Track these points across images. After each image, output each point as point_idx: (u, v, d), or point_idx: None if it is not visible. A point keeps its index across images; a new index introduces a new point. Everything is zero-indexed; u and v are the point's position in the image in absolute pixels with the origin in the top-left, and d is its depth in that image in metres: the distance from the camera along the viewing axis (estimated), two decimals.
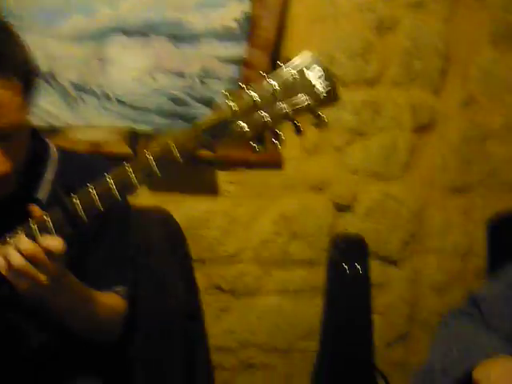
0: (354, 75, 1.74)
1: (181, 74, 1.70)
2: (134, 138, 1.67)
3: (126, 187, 0.82)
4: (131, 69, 1.67)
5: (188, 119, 1.71)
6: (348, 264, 1.81)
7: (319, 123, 0.80)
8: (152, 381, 1.40)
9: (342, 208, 1.84)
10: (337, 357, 1.78)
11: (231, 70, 1.71)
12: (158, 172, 0.80)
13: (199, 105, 1.73)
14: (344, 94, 0.81)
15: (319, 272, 1.84)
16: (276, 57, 1.66)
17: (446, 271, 1.95)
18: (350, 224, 1.85)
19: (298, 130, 0.80)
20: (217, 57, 1.71)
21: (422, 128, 1.84)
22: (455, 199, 1.91)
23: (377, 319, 1.88)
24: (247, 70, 1.70)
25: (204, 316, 1.54)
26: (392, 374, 1.91)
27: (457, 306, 1.12)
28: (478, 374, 0.87)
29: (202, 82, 1.71)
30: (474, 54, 1.83)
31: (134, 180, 0.81)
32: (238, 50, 1.70)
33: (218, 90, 1.70)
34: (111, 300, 1.07)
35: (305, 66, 0.80)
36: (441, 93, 1.83)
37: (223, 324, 1.84)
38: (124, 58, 1.66)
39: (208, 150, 0.81)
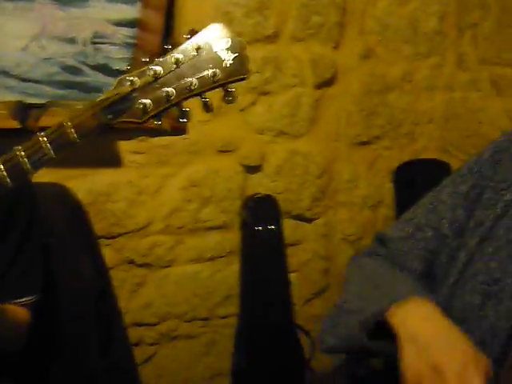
0: (252, 32, 1.69)
1: (71, 40, 1.58)
2: (22, 111, 1.54)
3: (20, 173, 0.76)
4: (15, 37, 1.53)
5: (85, 89, 1.60)
6: (261, 225, 1.80)
7: (230, 99, 0.77)
8: (69, 361, 1.34)
9: (250, 169, 1.81)
10: (257, 318, 1.78)
11: (125, 33, 1.61)
12: (53, 155, 0.75)
13: (94, 72, 1.62)
14: None
15: (233, 236, 1.83)
16: (170, 17, 1.58)
17: (357, 223, 1.99)
18: (261, 185, 1.83)
19: (206, 107, 0.76)
20: (108, 19, 1.60)
21: (325, 83, 1.83)
22: (361, 152, 1.94)
23: (294, 277, 1.90)
24: (143, 33, 1.60)
25: (115, 292, 1.49)
26: (313, 328, 1.95)
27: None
28: (392, 317, 0.82)
29: (95, 48, 1.61)
30: (371, 5, 1.83)
31: (27, 166, 0.75)
32: (131, 11, 1.60)
33: (114, 55, 1.60)
34: (12, 314, 1.00)
35: (212, 38, 0.77)
36: (340, 46, 1.82)
37: (141, 299, 1.78)
38: (6, 26, 1.52)
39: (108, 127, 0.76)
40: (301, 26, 1.75)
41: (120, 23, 1.62)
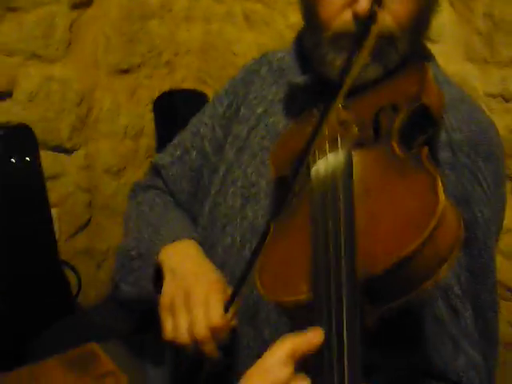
0: None
1: None
2: None
3: None
4: None
5: None
6: (15, 157, 1.64)
7: None
8: None
9: None
10: (16, 258, 1.65)
11: None
12: None
13: None
14: None
15: None
16: None
17: (119, 154, 1.96)
18: (12, 113, 1.65)
19: None
20: None
21: (82, 3, 1.70)
22: (122, 80, 1.89)
23: (55, 212, 1.80)
24: None
25: None
26: (79, 262, 1.90)
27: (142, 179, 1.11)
28: (162, 255, 0.88)
29: None
30: None
31: None
32: None
33: None
34: None
35: None
36: None
37: None
38: None
39: None
40: None
41: None
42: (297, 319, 0.55)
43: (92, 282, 1.99)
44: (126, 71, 1.89)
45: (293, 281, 0.54)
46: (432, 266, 0.48)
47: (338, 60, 0.75)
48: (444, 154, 0.74)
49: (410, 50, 0.77)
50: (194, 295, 0.76)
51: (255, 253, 0.67)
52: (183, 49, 2.01)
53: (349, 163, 0.60)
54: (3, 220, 1.64)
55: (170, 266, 0.85)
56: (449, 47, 1.34)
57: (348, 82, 0.64)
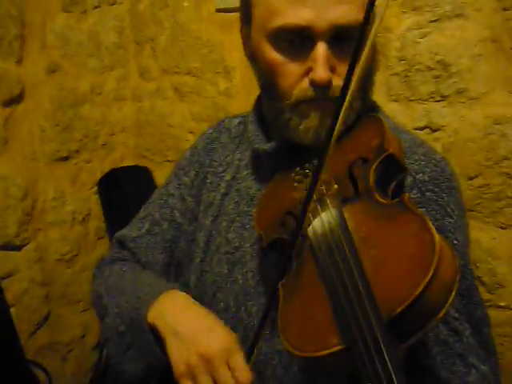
0: None
1: None
2: None
3: None
4: None
5: None
6: None
7: None
8: None
9: None
10: None
11: None
12: None
13: None
14: None
15: None
16: None
17: (69, 241, 1.94)
18: None
19: None
20: None
21: (13, 100, 1.72)
22: (62, 168, 1.90)
23: (14, 311, 1.74)
24: None
25: None
26: (44, 358, 1.83)
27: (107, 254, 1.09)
28: (151, 316, 0.84)
29: None
30: (50, 20, 1.80)
31: None
32: None
33: None
34: None
35: None
36: (24, 61, 1.74)
37: None
38: None
39: None
40: None
41: None
42: (331, 368, 0.59)
43: (59, 377, 1.91)
44: (65, 158, 1.90)
45: (321, 335, 0.57)
46: (442, 298, 0.53)
47: (302, 124, 0.81)
48: (413, 195, 0.81)
49: (362, 105, 0.85)
50: (212, 354, 0.74)
51: (266, 312, 0.69)
52: (118, 128, 2.06)
53: (342, 218, 0.65)
54: None
55: (168, 327, 0.81)
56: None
57: (332, 145, 0.69)
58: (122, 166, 2.07)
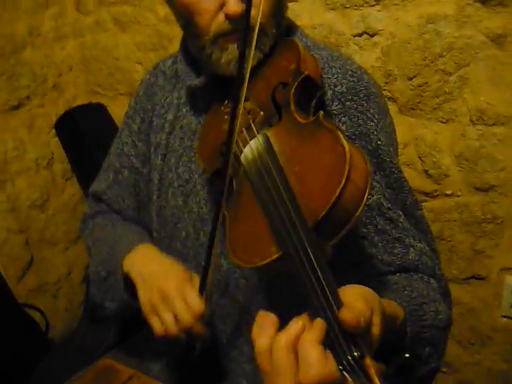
0: None
1: None
2: None
3: None
4: None
5: None
6: None
7: None
8: None
9: None
10: None
11: None
12: None
13: None
14: None
15: None
16: None
17: (38, 187, 1.98)
18: None
19: None
20: None
21: None
22: (16, 116, 1.89)
23: None
24: None
25: None
26: (35, 299, 1.94)
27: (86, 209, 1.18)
28: (126, 266, 0.96)
29: None
30: None
31: None
32: None
33: None
34: None
35: None
36: None
37: None
38: None
39: None
40: None
41: None
42: (274, 272, 0.68)
43: (54, 315, 2.03)
44: (17, 107, 1.89)
45: (262, 246, 0.66)
46: (357, 198, 0.62)
47: (222, 57, 0.86)
48: (334, 106, 0.88)
49: (277, 31, 0.89)
50: (168, 291, 0.85)
51: (212, 236, 0.79)
52: (65, 68, 2.03)
53: (268, 143, 0.72)
54: None
55: (137, 272, 0.93)
56: (308, 3, 1.48)
57: (246, 76, 0.75)
58: (76, 105, 2.06)
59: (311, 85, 0.80)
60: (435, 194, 1.48)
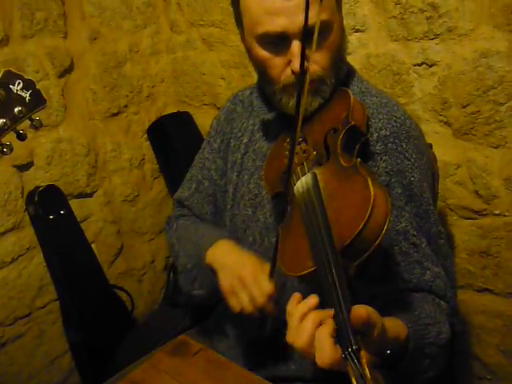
0: None
1: None
2: None
3: None
4: None
5: None
6: (52, 213, 1.94)
7: (36, 125, 0.94)
8: None
9: (23, 167, 1.91)
10: (76, 292, 1.96)
11: None
12: None
13: None
14: None
15: (27, 232, 1.92)
16: None
17: (131, 184, 2.26)
18: (37, 178, 1.94)
19: (21, 138, 0.93)
20: None
21: (66, 71, 1.98)
22: (115, 122, 2.18)
23: (94, 247, 2.11)
24: None
25: None
26: (123, 281, 2.22)
27: (170, 212, 1.42)
28: (208, 258, 1.15)
29: None
30: None
31: None
32: None
33: None
34: None
35: (7, 82, 0.92)
36: (69, 35, 1.98)
37: None
38: None
39: None
40: (28, 25, 1.85)
41: None
42: (309, 281, 0.86)
43: (139, 296, 2.31)
44: (116, 114, 2.18)
45: (302, 261, 0.84)
46: (377, 231, 0.78)
47: (290, 102, 1.06)
48: (378, 147, 1.05)
49: (336, 79, 1.07)
50: (245, 277, 1.04)
51: (276, 242, 0.98)
52: (158, 80, 2.30)
53: (315, 180, 0.90)
54: (58, 264, 1.95)
55: (218, 263, 1.13)
56: (374, 33, 1.63)
57: (300, 118, 0.93)
58: (166, 113, 2.33)
59: (357, 132, 0.97)
60: (484, 213, 1.59)
